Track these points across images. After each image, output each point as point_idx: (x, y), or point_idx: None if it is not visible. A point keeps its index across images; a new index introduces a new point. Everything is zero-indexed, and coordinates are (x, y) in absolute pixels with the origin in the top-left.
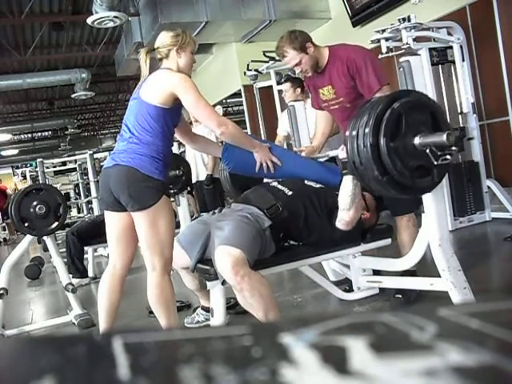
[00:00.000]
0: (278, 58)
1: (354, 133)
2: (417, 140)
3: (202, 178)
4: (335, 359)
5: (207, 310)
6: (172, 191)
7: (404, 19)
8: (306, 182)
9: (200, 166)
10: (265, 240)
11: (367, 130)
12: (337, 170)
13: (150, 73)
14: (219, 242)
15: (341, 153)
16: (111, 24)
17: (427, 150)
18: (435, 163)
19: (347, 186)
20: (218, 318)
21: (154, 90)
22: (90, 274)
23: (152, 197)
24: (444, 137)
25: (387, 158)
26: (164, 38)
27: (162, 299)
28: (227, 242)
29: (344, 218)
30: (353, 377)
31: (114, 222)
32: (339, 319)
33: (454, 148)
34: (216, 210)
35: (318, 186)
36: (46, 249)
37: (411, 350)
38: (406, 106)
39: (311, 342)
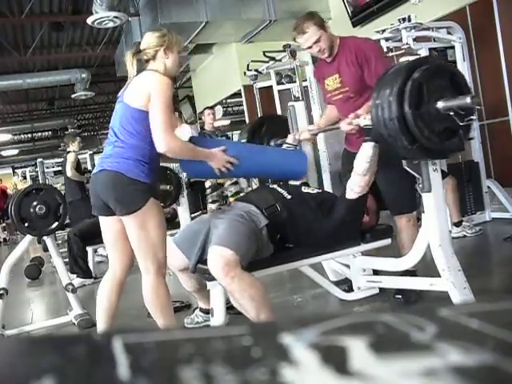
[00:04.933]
0: (278, 58)
1: (379, 106)
2: (440, 104)
3: None
4: (335, 359)
5: (206, 311)
6: (162, 205)
7: (404, 19)
8: (303, 189)
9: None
10: (261, 239)
11: (392, 102)
12: (300, 160)
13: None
14: (213, 241)
15: (362, 121)
16: (111, 24)
17: (451, 113)
18: (461, 124)
19: (367, 152)
20: (218, 318)
21: (136, 93)
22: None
23: (139, 200)
24: (468, 99)
25: (414, 127)
26: (150, 39)
27: (158, 302)
28: (220, 242)
29: (358, 182)
30: (353, 377)
31: (107, 226)
32: (339, 319)
33: (478, 107)
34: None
35: (316, 191)
36: (46, 249)
37: (411, 350)
38: (426, 73)
39: (311, 342)
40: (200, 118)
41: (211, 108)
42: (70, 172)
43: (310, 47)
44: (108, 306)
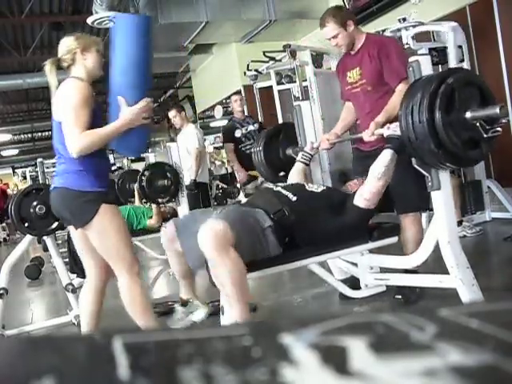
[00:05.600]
0: (278, 58)
1: (409, 109)
2: (468, 114)
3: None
4: (335, 359)
5: (185, 303)
6: (161, 200)
7: (404, 19)
8: (307, 187)
9: (184, 171)
10: (264, 239)
11: (423, 106)
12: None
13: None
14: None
15: (386, 131)
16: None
17: (477, 124)
18: (485, 136)
19: (385, 157)
20: (229, 316)
21: (57, 106)
22: None
23: (89, 210)
24: (497, 109)
25: (443, 132)
26: (66, 43)
27: (134, 302)
28: (216, 217)
29: (370, 188)
30: (353, 377)
31: (74, 236)
32: (339, 319)
33: (504, 120)
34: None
35: (320, 189)
36: (46, 249)
37: (411, 350)
38: (459, 81)
39: (311, 342)
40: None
41: (238, 94)
42: None
43: (329, 39)
44: (90, 310)
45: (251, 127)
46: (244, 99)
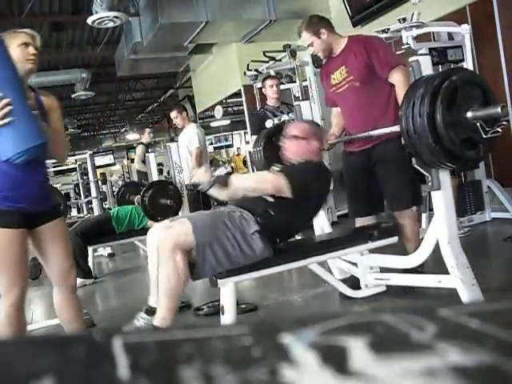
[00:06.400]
0: (278, 58)
1: (410, 104)
2: (469, 113)
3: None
4: (335, 359)
5: (152, 311)
6: (161, 219)
7: (404, 19)
8: None
9: (184, 171)
10: (251, 243)
11: (424, 101)
12: None
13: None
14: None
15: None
16: (111, 24)
17: (477, 124)
18: (484, 137)
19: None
20: (229, 316)
21: None
22: None
23: None
24: (499, 109)
25: (442, 127)
26: None
27: None
28: (183, 220)
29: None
30: (353, 377)
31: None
32: (339, 319)
33: (504, 122)
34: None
35: None
36: None
37: (411, 350)
38: (463, 79)
39: (311, 342)
40: (262, 89)
41: (274, 78)
42: (136, 164)
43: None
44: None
45: (285, 117)
46: (280, 84)
